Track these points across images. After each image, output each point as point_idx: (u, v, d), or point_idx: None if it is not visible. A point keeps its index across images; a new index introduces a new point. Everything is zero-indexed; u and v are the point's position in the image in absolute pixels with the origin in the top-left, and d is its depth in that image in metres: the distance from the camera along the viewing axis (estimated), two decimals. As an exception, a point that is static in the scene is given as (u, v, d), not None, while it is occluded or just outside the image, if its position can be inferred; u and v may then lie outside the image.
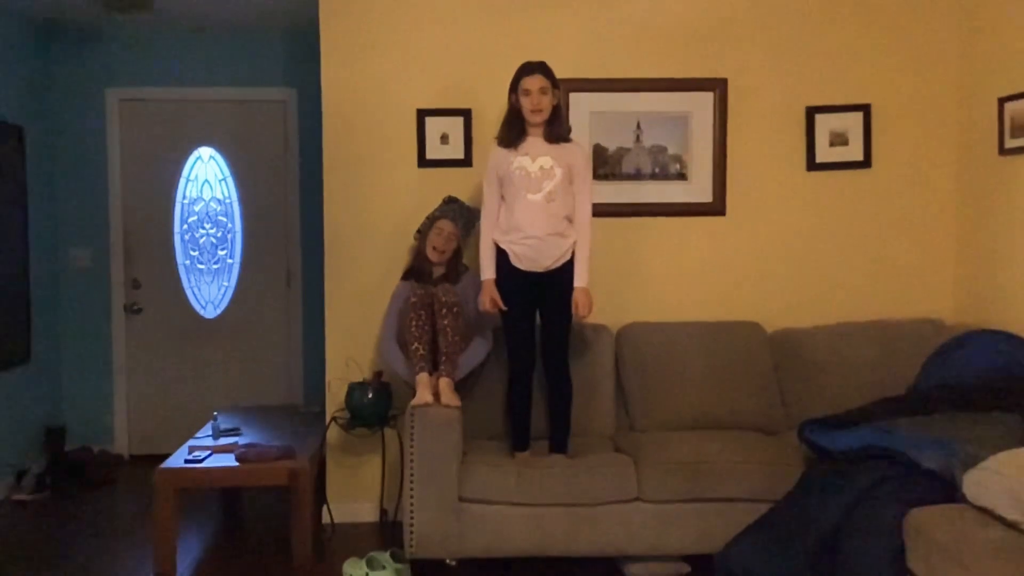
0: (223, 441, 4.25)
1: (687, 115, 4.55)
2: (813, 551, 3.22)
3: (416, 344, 3.94)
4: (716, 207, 4.58)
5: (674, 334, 4.37)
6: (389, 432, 4.38)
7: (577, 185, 3.85)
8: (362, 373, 4.38)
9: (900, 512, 3.05)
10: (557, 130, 3.84)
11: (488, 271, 3.88)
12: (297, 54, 5.68)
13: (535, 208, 3.79)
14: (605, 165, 4.54)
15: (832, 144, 4.57)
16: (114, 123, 5.73)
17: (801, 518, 3.34)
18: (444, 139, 4.50)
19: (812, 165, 4.59)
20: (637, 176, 4.57)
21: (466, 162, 4.50)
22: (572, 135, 3.96)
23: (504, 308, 3.85)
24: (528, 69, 3.80)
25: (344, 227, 4.52)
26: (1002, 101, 4.14)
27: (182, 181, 5.86)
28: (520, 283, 3.85)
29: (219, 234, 5.92)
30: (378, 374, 4.33)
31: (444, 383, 3.87)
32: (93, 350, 5.76)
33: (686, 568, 3.82)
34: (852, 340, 4.34)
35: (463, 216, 4.25)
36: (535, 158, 3.81)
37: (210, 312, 5.92)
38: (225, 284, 5.93)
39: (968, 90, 4.48)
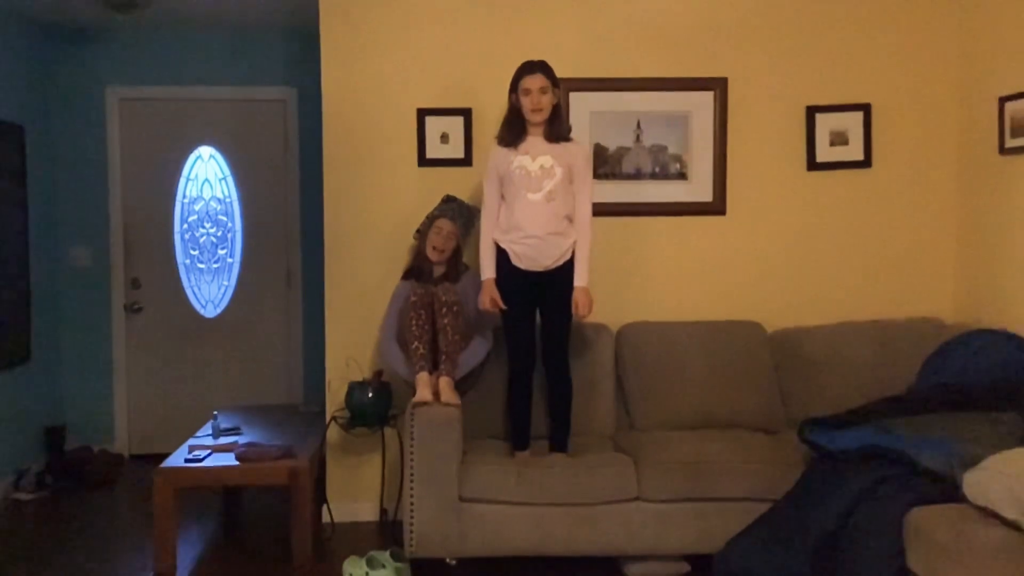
0: (223, 440, 4.25)
1: (687, 114, 4.55)
2: (813, 551, 3.22)
3: (416, 343, 3.94)
4: (716, 207, 4.58)
5: (674, 334, 4.37)
6: (389, 431, 4.38)
7: (577, 184, 3.85)
8: (362, 372, 4.38)
9: (900, 512, 3.05)
10: (557, 129, 3.85)
11: (488, 270, 3.88)
12: (297, 53, 5.68)
13: (535, 207, 3.79)
14: (605, 164, 4.54)
15: (832, 144, 4.57)
16: (114, 122, 5.73)
17: (801, 518, 3.34)
18: (444, 138, 4.50)
19: (812, 165, 4.59)
20: (637, 176, 4.57)
21: (466, 161, 4.50)
22: (572, 134, 3.96)
23: (504, 307, 3.85)
24: (528, 68, 3.80)
25: (344, 226, 4.52)
26: (1002, 100, 4.14)
27: (182, 180, 5.86)
28: (520, 282, 3.85)
29: (219, 233, 5.92)
30: (378, 373, 4.33)
31: (444, 382, 3.87)
32: (93, 349, 5.76)
33: (686, 568, 3.82)
34: (852, 340, 4.34)
35: (462, 215, 4.25)
36: (535, 157, 3.81)
37: (210, 311, 5.92)
38: (225, 283, 5.93)
39: (968, 89, 4.48)
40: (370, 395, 4.21)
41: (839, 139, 4.56)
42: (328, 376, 4.54)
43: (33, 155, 5.38)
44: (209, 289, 5.93)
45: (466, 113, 4.48)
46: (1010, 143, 4.11)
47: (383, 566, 3.72)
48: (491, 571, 3.85)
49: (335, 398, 4.44)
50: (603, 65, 4.51)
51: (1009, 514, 2.78)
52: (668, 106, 4.54)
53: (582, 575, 3.83)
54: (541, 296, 3.89)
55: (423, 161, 4.51)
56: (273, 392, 5.83)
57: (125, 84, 5.72)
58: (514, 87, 3.83)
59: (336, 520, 4.46)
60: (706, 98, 4.53)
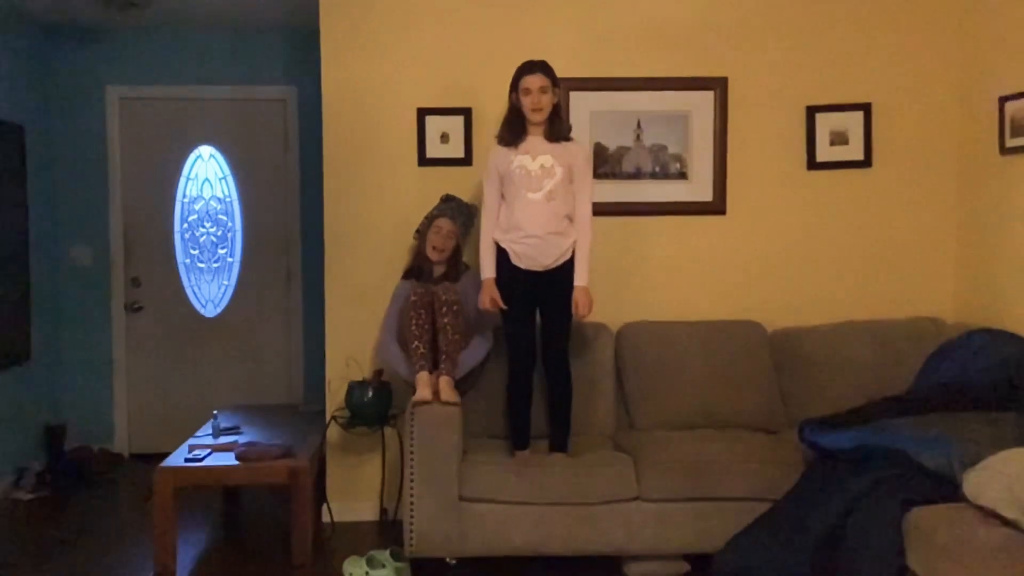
0: (223, 440, 4.25)
1: (687, 114, 4.55)
2: (813, 550, 3.22)
3: (416, 343, 3.94)
4: (716, 206, 4.58)
5: (674, 333, 4.37)
6: (389, 431, 4.38)
7: (577, 184, 3.85)
8: (362, 372, 4.38)
9: (900, 511, 3.05)
10: (557, 129, 3.85)
11: (488, 270, 3.88)
12: (297, 53, 5.68)
13: (535, 207, 3.79)
14: (605, 164, 4.54)
15: (832, 143, 4.56)
16: (114, 122, 5.73)
17: (801, 517, 3.34)
18: (444, 138, 4.50)
19: (812, 164, 4.59)
20: (637, 175, 4.57)
21: (466, 161, 4.50)
22: (572, 134, 3.96)
23: (504, 307, 3.85)
24: (528, 68, 3.80)
25: (344, 226, 4.52)
26: (1003, 100, 4.14)
27: (182, 180, 5.86)
28: (520, 282, 3.85)
29: (219, 233, 5.92)
30: (378, 373, 4.33)
31: (444, 381, 3.87)
32: (93, 349, 5.76)
33: (686, 567, 3.82)
34: (852, 339, 4.34)
35: (461, 214, 4.25)
36: (535, 157, 3.81)
37: (210, 311, 5.92)
38: (225, 283, 5.93)
39: (969, 89, 4.48)
40: (370, 394, 4.21)
41: (839, 139, 4.56)
42: (328, 375, 4.54)
43: (33, 154, 5.38)
44: (209, 288, 5.93)
45: (466, 113, 4.48)
46: (1010, 143, 4.11)
47: (383, 566, 3.72)
48: (491, 571, 3.85)
49: (335, 397, 4.45)
50: (603, 65, 4.51)
51: (1009, 514, 2.78)
52: (668, 106, 4.54)
53: (582, 575, 3.84)
54: (541, 296, 3.89)
55: (423, 161, 4.51)
56: (273, 391, 5.83)
57: (125, 83, 5.72)
58: (514, 86, 3.83)
59: (336, 520, 4.46)
60: (706, 98, 4.53)
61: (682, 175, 4.58)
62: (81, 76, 5.68)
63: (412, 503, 3.72)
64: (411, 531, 3.72)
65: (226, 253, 5.93)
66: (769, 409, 4.27)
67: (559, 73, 3.87)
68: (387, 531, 4.37)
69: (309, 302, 5.73)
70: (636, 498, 3.74)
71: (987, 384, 3.66)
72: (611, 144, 4.55)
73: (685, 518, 3.73)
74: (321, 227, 4.59)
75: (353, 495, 4.57)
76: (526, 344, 3.91)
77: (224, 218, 5.91)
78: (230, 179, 5.90)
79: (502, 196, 3.88)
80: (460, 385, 3.97)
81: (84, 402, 5.76)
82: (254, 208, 5.90)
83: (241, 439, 4.25)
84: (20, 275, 5.21)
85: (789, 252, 4.61)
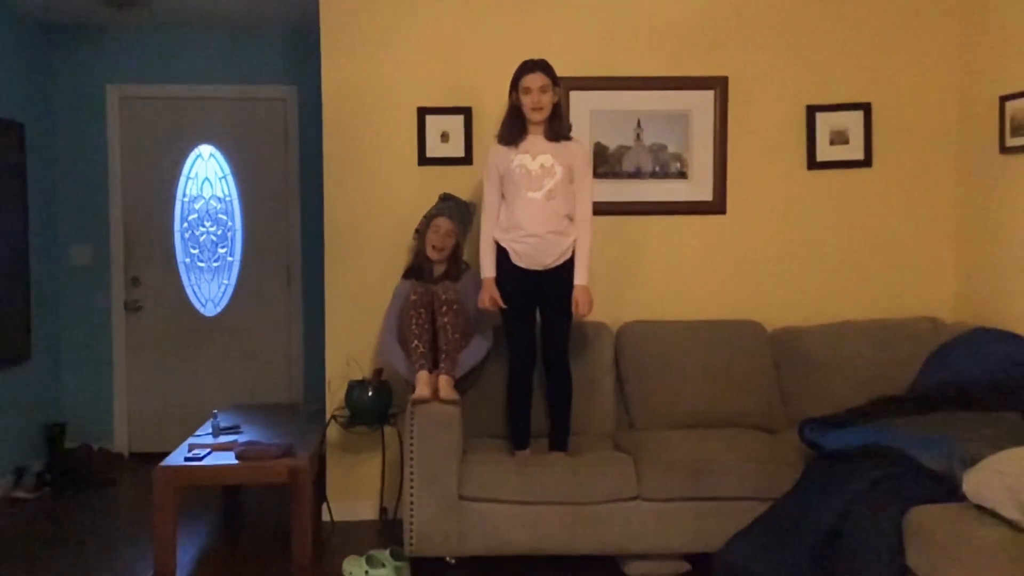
0: (223, 439, 4.25)
1: (687, 113, 4.54)
2: (813, 549, 3.22)
3: (416, 342, 3.94)
4: (716, 205, 4.58)
5: (674, 332, 4.37)
6: (389, 430, 4.38)
7: (577, 183, 3.85)
8: (362, 371, 4.38)
9: (900, 511, 3.04)
10: (558, 128, 3.84)
11: (488, 269, 3.88)
12: (297, 52, 5.68)
13: (535, 206, 3.79)
14: (605, 163, 4.54)
15: (832, 143, 4.56)
16: (114, 121, 5.73)
17: (801, 517, 3.34)
18: (444, 137, 4.49)
19: (813, 164, 4.59)
20: (637, 174, 4.57)
21: (466, 160, 4.50)
22: (572, 133, 3.96)
23: (504, 306, 3.85)
24: (529, 67, 3.80)
25: (344, 225, 4.52)
26: (1003, 99, 4.14)
27: (182, 179, 5.86)
28: (520, 281, 3.85)
29: (219, 232, 5.92)
30: (378, 372, 4.33)
31: (443, 380, 3.87)
32: (93, 348, 5.76)
33: (686, 566, 3.82)
34: (852, 339, 4.34)
35: (459, 212, 4.25)
36: (535, 156, 3.81)
37: (210, 310, 5.92)
38: (225, 282, 5.93)
39: (969, 88, 4.47)
40: (370, 394, 4.21)
41: (839, 138, 4.56)
42: (328, 375, 4.54)
43: (33, 153, 5.38)
44: (209, 288, 5.93)
45: (466, 112, 4.48)
46: (1010, 142, 4.11)
47: (383, 565, 3.72)
48: (491, 570, 3.85)
49: (335, 397, 4.45)
50: (603, 64, 4.51)
51: (1009, 514, 2.78)
52: (668, 105, 4.54)
53: (582, 574, 3.83)
54: (541, 295, 3.88)
55: (423, 160, 4.51)
56: (273, 391, 5.83)
57: (125, 82, 5.72)
58: (514, 86, 3.82)
59: (336, 519, 4.46)
60: (706, 97, 4.53)
61: (682, 174, 4.58)
62: (81, 75, 5.68)
63: (412, 502, 3.72)
64: (411, 530, 3.72)
65: (226, 252, 5.93)
66: (769, 409, 4.27)
67: (559, 72, 3.86)
68: (387, 530, 4.37)
69: (309, 301, 5.73)
70: (636, 497, 3.74)
71: (987, 384, 3.66)
72: (611, 143, 4.55)
73: (685, 518, 3.73)
74: (321, 226, 4.59)
75: (353, 494, 4.57)
76: (526, 343, 3.91)
77: (224, 217, 5.91)
78: (230, 178, 5.90)
79: (502, 195, 3.88)
80: (460, 384, 3.96)
81: (84, 401, 5.76)
82: (254, 207, 5.89)
83: (241, 438, 4.25)
84: (20, 274, 5.21)
85: (789, 252, 4.61)
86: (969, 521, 2.87)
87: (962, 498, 2.97)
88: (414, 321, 3.96)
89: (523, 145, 3.83)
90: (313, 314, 5.54)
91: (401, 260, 4.42)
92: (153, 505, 3.86)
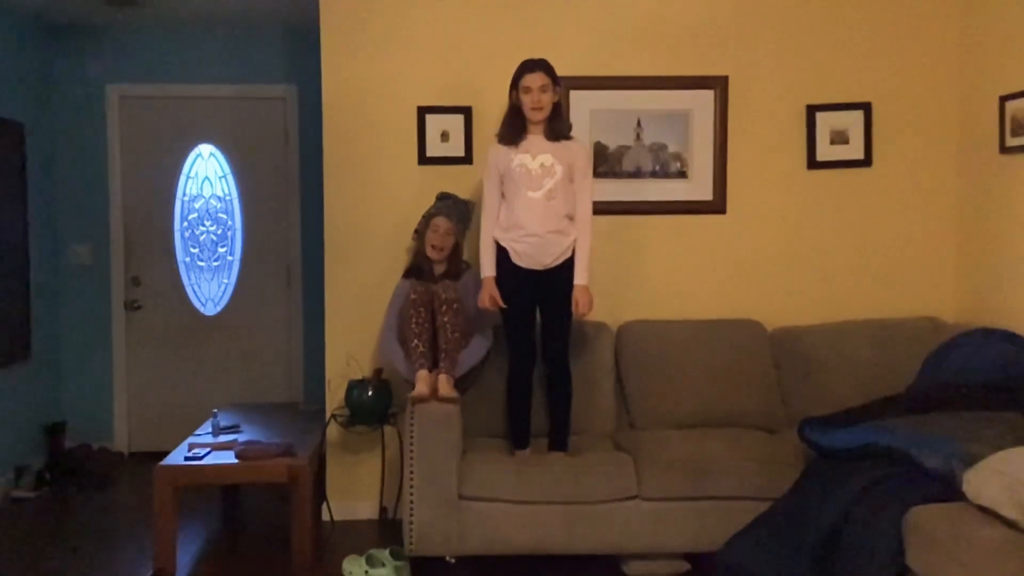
0: (223, 438, 4.24)
1: (688, 113, 4.54)
2: (813, 549, 3.22)
3: (416, 341, 3.94)
4: (716, 205, 4.58)
5: (674, 332, 4.37)
6: (389, 430, 4.38)
7: (577, 183, 3.85)
8: (362, 371, 4.38)
9: (900, 510, 3.04)
10: (558, 128, 3.85)
11: (488, 269, 3.88)
12: (298, 51, 5.68)
13: (535, 206, 3.79)
14: (605, 163, 4.54)
15: (833, 142, 4.56)
16: (114, 120, 5.73)
17: (801, 516, 3.34)
18: (444, 136, 4.49)
19: (813, 163, 4.59)
20: (637, 174, 4.57)
21: (466, 160, 4.49)
22: (573, 133, 3.96)
23: (503, 306, 3.85)
24: (529, 66, 3.80)
25: (344, 224, 4.52)
26: (1003, 99, 4.14)
27: (182, 178, 5.86)
28: (520, 281, 3.85)
29: (219, 231, 5.92)
30: (378, 371, 4.33)
31: (443, 379, 3.87)
32: (93, 347, 5.76)
33: (685, 566, 3.82)
34: (852, 338, 4.34)
35: (458, 210, 4.25)
36: (536, 155, 3.81)
37: (210, 309, 5.92)
38: (225, 281, 5.93)
39: (969, 88, 4.47)
40: (370, 393, 4.21)
41: (839, 138, 4.56)
42: (328, 374, 4.54)
43: (33, 153, 5.38)
44: (209, 287, 5.93)
45: (466, 111, 4.48)
46: (1011, 142, 4.11)
47: (383, 564, 3.72)
48: (490, 569, 3.85)
49: (335, 396, 4.45)
50: (604, 63, 4.51)
51: (1009, 513, 2.77)
52: (668, 104, 4.54)
53: (582, 574, 3.83)
54: (541, 294, 3.88)
55: (423, 159, 4.51)
56: (273, 390, 5.83)
57: (125, 82, 5.72)
58: (514, 85, 3.83)
59: (336, 518, 4.46)
60: (706, 96, 4.53)
61: (682, 174, 4.58)
62: (81, 74, 5.68)
63: (412, 502, 3.72)
64: (411, 530, 3.72)
65: (226, 252, 5.93)
66: (769, 408, 4.27)
67: (559, 72, 3.86)
68: (387, 530, 4.37)
69: (309, 301, 5.73)
70: (636, 497, 3.74)
71: (987, 383, 3.66)
72: (611, 143, 4.55)
73: (685, 517, 3.73)
74: (321, 225, 4.59)
75: (353, 494, 4.57)
76: (526, 343, 3.91)
77: (224, 216, 5.91)
78: (230, 177, 5.89)
79: (502, 195, 3.88)
80: (460, 384, 3.96)
81: (84, 401, 5.76)
82: (254, 206, 5.89)
83: (241, 438, 4.24)
84: (20, 273, 5.21)
85: (789, 251, 4.60)
86: (969, 521, 2.87)
87: (962, 498, 2.97)
88: (414, 320, 3.96)
89: (523, 145, 3.83)
90: (313, 313, 5.54)
91: (401, 259, 4.43)
92: (153, 504, 3.86)
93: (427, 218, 4.25)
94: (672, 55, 4.52)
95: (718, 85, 4.52)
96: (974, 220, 4.45)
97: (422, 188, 4.44)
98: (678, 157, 4.57)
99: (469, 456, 3.82)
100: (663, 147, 4.56)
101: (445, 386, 3.84)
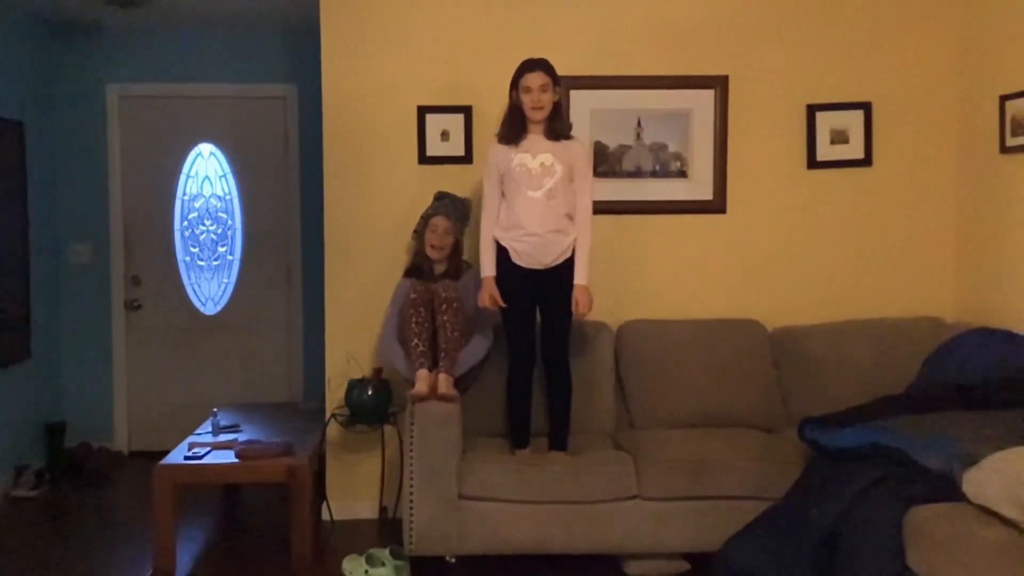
0: (223, 438, 4.25)
1: (688, 112, 4.54)
2: (813, 549, 3.22)
3: (416, 340, 3.94)
4: (717, 205, 4.58)
5: (674, 332, 4.37)
6: (389, 429, 4.38)
7: (578, 182, 3.85)
8: (362, 370, 4.38)
9: (900, 510, 3.04)
10: (558, 127, 3.85)
11: (488, 268, 3.88)
12: (298, 50, 5.68)
13: (535, 205, 3.79)
14: (606, 162, 4.54)
15: (833, 142, 4.56)
16: (114, 119, 5.73)
17: (801, 516, 3.34)
18: (444, 136, 4.49)
19: (813, 163, 4.58)
20: (638, 174, 4.57)
21: (466, 159, 4.49)
22: (573, 132, 3.96)
23: (503, 305, 3.85)
24: (529, 66, 3.80)
25: (344, 224, 4.52)
26: (1003, 99, 4.14)
27: (182, 177, 5.86)
28: (520, 280, 3.85)
29: (219, 231, 5.92)
30: (378, 371, 4.33)
31: (443, 378, 3.87)
32: (93, 346, 5.76)
33: (685, 566, 3.82)
34: (852, 338, 4.34)
35: (456, 209, 4.25)
36: (536, 155, 3.81)
37: (210, 309, 5.92)
38: (225, 281, 5.93)
39: (969, 88, 4.47)
40: (370, 393, 4.21)
41: (839, 137, 4.56)
42: (328, 374, 4.54)
43: (33, 152, 5.37)
44: (209, 287, 5.92)
45: (467, 111, 4.48)
46: (1011, 142, 4.11)
47: (383, 564, 3.72)
48: (490, 569, 3.85)
49: (335, 396, 4.45)
50: (604, 63, 4.50)
51: (1009, 513, 2.77)
52: (669, 104, 4.54)
53: (582, 573, 3.84)
54: (541, 294, 3.88)
55: (423, 159, 4.51)
56: (273, 390, 5.83)
57: (125, 81, 5.72)
58: (515, 84, 3.83)
59: (336, 518, 4.46)
60: (707, 96, 4.53)
61: (682, 174, 4.58)
62: (81, 74, 5.68)
63: (412, 501, 3.72)
64: (411, 529, 3.72)
65: (226, 251, 5.93)
66: (769, 408, 4.27)
67: (560, 71, 3.86)
68: (387, 529, 4.37)
69: (309, 300, 5.73)
70: (636, 497, 3.74)
71: (987, 383, 3.66)
72: (611, 142, 4.55)
73: (685, 517, 3.73)
74: (321, 224, 4.59)
75: (353, 493, 4.57)
76: (526, 343, 3.91)
77: (224, 216, 5.91)
78: (230, 177, 5.89)
79: (502, 194, 3.88)
80: (460, 383, 3.96)
81: (84, 400, 5.76)
82: (254, 206, 5.89)
83: (241, 437, 4.25)
84: (20, 273, 5.21)
85: (789, 251, 4.60)
86: (969, 521, 2.87)
87: (962, 498, 2.97)
88: (414, 319, 3.96)
89: (523, 144, 3.83)
90: (313, 313, 5.54)
91: (401, 259, 4.43)
92: (153, 504, 3.86)
93: (425, 218, 4.25)
94: (672, 55, 4.52)
95: (718, 85, 4.52)
96: (974, 220, 4.45)
97: (422, 188, 4.44)
98: (678, 157, 4.57)
99: (469, 456, 3.82)
100: (663, 147, 4.56)
101: (445, 385, 3.84)
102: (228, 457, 3.99)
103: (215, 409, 4.61)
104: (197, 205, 5.89)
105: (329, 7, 4.46)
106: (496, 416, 4.11)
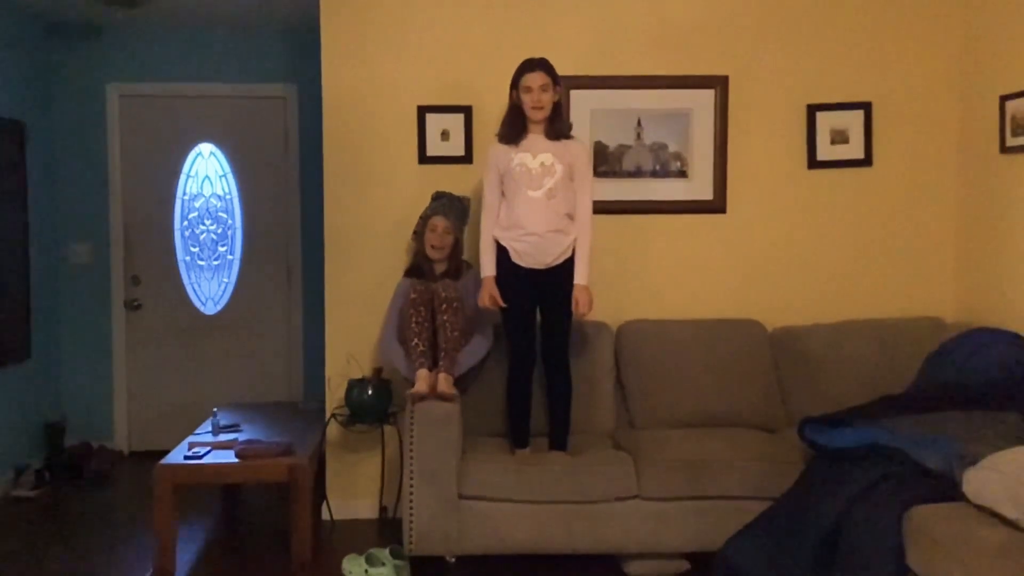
0: (223, 437, 4.25)
1: (688, 112, 4.54)
2: (813, 549, 3.22)
3: (416, 340, 3.94)
4: (717, 205, 4.58)
5: (674, 331, 4.37)
6: (389, 429, 4.38)
7: (578, 182, 3.85)
8: (362, 370, 4.38)
9: (900, 510, 3.05)
10: (558, 127, 3.85)
11: (488, 268, 3.88)
12: (298, 50, 5.68)
13: (536, 205, 3.79)
14: (606, 162, 4.54)
15: (833, 142, 4.56)
16: (114, 119, 5.73)
17: (801, 516, 3.34)
18: (445, 136, 4.49)
19: (813, 163, 4.58)
20: (638, 173, 4.57)
21: (466, 159, 4.49)
22: (573, 132, 3.96)
23: (503, 305, 3.85)
24: (529, 66, 3.80)
25: (344, 223, 4.52)
26: (1003, 99, 4.14)
27: (182, 177, 5.86)
28: (521, 280, 3.85)
29: (219, 230, 5.92)
30: (378, 371, 4.33)
31: (443, 377, 3.87)
32: (93, 346, 5.76)
33: (685, 566, 3.82)
34: (852, 338, 4.34)
35: (455, 208, 4.25)
36: (536, 155, 3.81)
37: (210, 308, 5.92)
38: (225, 280, 5.93)
39: (969, 88, 4.47)
40: (370, 392, 4.21)
41: (840, 137, 4.56)
42: (328, 373, 4.54)
43: (33, 151, 5.37)
44: (209, 286, 5.92)
45: (467, 110, 4.48)
46: (1011, 142, 4.11)
47: (382, 563, 3.72)
48: (490, 569, 3.85)
49: (335, 395, 4.45)
50: (604, 63, 4.50)
51: (1009, 513, 2.78)
52: (669, 104, 4.54)
53: (582, 573, 3.84)
54: (541, 294, 3.88)
55: (423, 158, 4.51)
56: (273, 389, 5.83)
57: (125, 81, 5.71)
58: (515, 84, 3.83)
59: (336, 517, 4.46)
60: (707, 96, 4.53)
61: (682, 173, 4.58)
62: (81, 73, 5.68)
63: (412, 501, 3.72)
64: (411, 529, 3.72)
65: (226, 251, 5.93)
66: (769, 408, 4.27)
67: (560, 71, 3.87)
68: (387, 529, 4.38)
69: (309, 300, 5.73)
70: (636, 496, 3.74)
71: (987, 383, 3.66)
72: (611, 142, 4.55)
73: (685, 517, 3.73)
74: (321, 224, 4.59)
75: (353, 493, 4.57)
76: (526, 342, 3.91)
77: (224, 215, 5.91)
78: (230, 176, 5.89)
79: (502, 194, 3.88)
80: (459, 382, 3.96)
81: (84, 400, 5.76)
82: (254, 205, 5.89)
83: (241, 437, 4.25)
84: (20, 272, 5.21)
85: (789, 251, 4.60)
86: (969, 521, 2.87)
87: (962, 498, 2.97)
88: (414, 319, 3.96)
89: (523, 144, 3.83)
90: (313, 312, 5.54)
91: (401, 259, 4.43)
92: (153, 503, 3.86)
93: (424, 219, 4.25)
94: (672, 55, 4.52)
95: (718, 85, 4.52)
96: (974, 220, 4.45)
97: (422, 187, 4.43)
98: (678, 157, 4.57)
99: (469, 455, 3.82)
100: (663, 147, 4.56)
101: (445, 385, 3.84)
102: (228, 457, 3.98)
103: (215, 409, 4.61)
104: (197, 205, 5.89)
105: (329, 7, 4.47)
106: (496, 416, 4.11)
